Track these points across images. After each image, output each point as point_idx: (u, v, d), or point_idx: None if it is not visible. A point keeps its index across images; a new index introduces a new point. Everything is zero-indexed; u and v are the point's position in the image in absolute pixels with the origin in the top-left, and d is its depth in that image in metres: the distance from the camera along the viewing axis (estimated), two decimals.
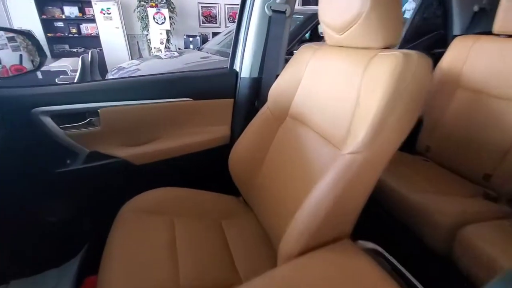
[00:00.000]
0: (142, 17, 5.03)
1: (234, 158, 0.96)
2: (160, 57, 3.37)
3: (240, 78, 1.06)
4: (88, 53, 3.72)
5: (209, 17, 5.76)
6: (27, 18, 4.75)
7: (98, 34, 5.16)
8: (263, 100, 0.95)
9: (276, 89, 0.88)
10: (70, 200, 1.00)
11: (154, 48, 4.99)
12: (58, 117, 0.86)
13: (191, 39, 4.90)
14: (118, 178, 0.99)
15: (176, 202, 0.92)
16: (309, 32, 2.72)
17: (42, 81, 3.83)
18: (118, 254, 0.70)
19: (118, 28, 5.22)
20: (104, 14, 5.06)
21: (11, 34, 1.21)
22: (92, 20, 5.13)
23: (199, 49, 3.24)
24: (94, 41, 5.27)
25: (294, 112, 0.82)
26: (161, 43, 4.90)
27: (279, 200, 0.80)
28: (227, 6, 5.91)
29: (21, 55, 1.16)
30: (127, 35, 5.37)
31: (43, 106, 0.83)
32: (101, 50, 5.15)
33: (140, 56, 5.54)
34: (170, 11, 4.96)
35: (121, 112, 0.92)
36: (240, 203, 1.04)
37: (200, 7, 5.63)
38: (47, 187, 0.92)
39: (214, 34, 5.22)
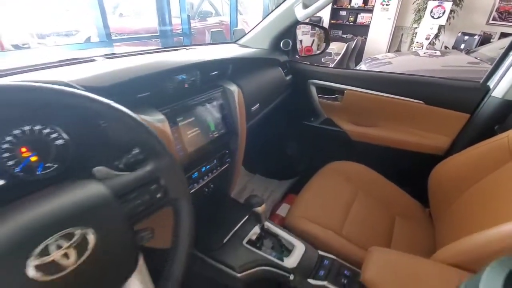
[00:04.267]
0: (419, 9, 4.83)
1: (441, 170, 0.97)
2: (417, 54, 3.27)
3: (490, 96, 0.97)
4: (354, 40, 4.27)
5: (506, 14, 4.48)
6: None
7: (369, 23, 5.62)
8: (507, 127, 0.85)
9: None
10: (302, 144, 1.47)
11: (417, 42, 4.75)
12: (319, 88, 1.28)
13: (466, 37, 4.15)
14: (336, 143, 1.31)
15: (368, 181, 1.11)
16: None
17: (318, 58, 4.89)
18: (312, 190, 1.03)
19: (390, 19, 5.38)
20: (383, 5, 5.36)
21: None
22: (370, 10, 5.61)
23: (469, 52, 2.79)
24: (363, 29, 5.81)
25: None
26: (426, 39, 4.56)
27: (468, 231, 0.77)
28: None
29: (313, 40, 1.68)
30: (395, 27, 5.42)
31: (314, 79, 1.26)
32: (365, 38, 5.62)
33: (398, 50, 5.48)
34: (455, 3, 4.38)
35: (360, 96, 1.19)
36: (423, 213, 1.06)
37: (497, 1, 4.48)
38: (296, 130, 1.41)
39: (504, 35, 4.08)
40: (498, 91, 0.95)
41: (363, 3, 5.81)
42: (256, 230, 0.81)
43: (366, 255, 0.65)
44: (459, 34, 4.41)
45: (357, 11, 5.95)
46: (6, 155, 0.46)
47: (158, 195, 0.42)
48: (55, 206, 0.32)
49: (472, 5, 4.60)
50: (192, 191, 0.74)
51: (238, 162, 0.90)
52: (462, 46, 4.14)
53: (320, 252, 0.77)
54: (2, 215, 0.30)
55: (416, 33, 4.94)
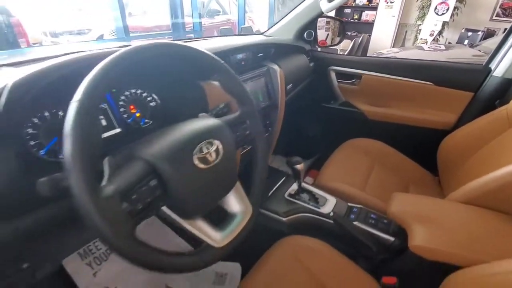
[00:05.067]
0: (423, 6, 4.95)
1: (449, 142, 1.12)
2: (422, 48, 3.41)
3: (491, 76, 1.12)
4: (359, 37, 4.41)
5: (510, 10, 4.60)
6: None
7: (373, 21, 5.76)
8: (506, 101, 1.00)
9: None
10: (322, 125, 1.61)
11: (421, 39, 4.88)
12: (338, 74, 1.43)
13: (469, 33, 4.28)
14: (353, 123, 1.46)
15: (383, 155, 1.25)
16: None
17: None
18: (335, 162, 1.17)
19: (394, 16, 5.51)
20: (387, 2, 5.48)
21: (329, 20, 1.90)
22: (375, 8, 5.74)
23: (472, 46, 2.92)
24: (367, 27, 5.94)
25: None
26: (430, 35, 4.69)
27: None
28: None
29: (327, 34, 1.83)
30: (399, 24, 5.56)
31: (334, 66, 1.41)
32: (370, 36, 5.76)
33: (402, 45, 5.62)
34: (458, 0, 4.50)
35: (376, 80, 1.34)
36: (434, 181, 1.20)
37: None
38: (313, 113, 1.56)
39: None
40: (498, 71, 1.10)
41: (367, 1, 5.92)
42: (294, 187, 0.97)
43: (389, 200, 0.80)
44: (463, 31, 4.53)
45: (361, 9, 6.07)
46: (122, 109, 0.63)
47: (247, 132, 0.58)
48: (200, 124, 0.48)
49: (476, 1, 4.71)
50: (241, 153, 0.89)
51: (276, 133, 1.05)
52: (466, 42, 4.27)
53: (349, 204, 0.93)
54: (168, 130, 0.46)
55: (420, 30, 5.06)
